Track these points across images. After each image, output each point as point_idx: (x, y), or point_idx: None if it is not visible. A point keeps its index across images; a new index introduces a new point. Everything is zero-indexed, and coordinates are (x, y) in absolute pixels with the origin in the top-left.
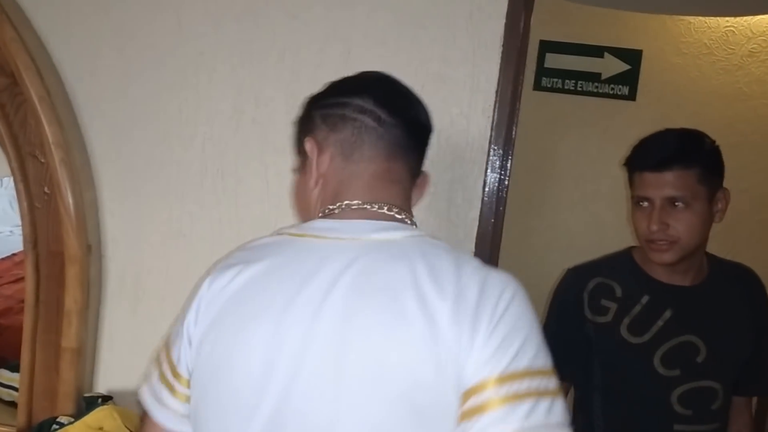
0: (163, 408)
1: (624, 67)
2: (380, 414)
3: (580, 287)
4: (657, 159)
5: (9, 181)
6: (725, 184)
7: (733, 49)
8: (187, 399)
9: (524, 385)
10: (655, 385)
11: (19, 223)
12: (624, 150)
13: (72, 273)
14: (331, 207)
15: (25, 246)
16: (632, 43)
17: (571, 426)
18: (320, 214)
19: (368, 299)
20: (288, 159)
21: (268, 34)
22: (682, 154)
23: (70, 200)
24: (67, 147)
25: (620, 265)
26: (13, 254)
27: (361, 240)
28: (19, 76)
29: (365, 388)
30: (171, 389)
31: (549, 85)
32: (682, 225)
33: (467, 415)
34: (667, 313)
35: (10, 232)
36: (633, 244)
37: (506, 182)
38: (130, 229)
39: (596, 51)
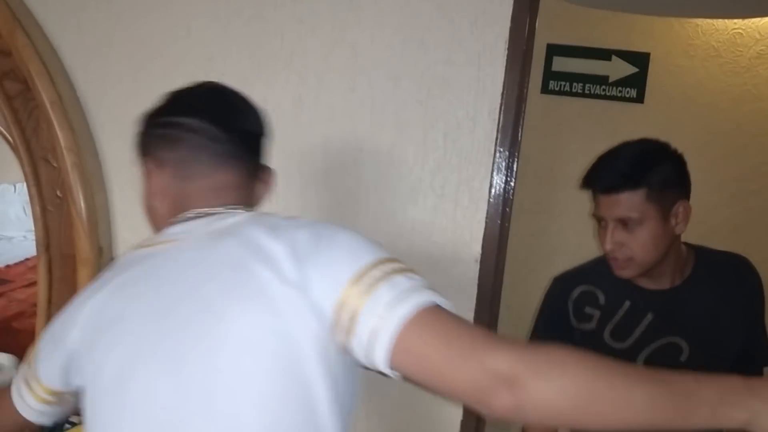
0: (23, 402)
1: (632, 69)
2: (265, 382)
3: (566, 296)
4: (604, 185)
5: (22, 187)
6: (731, 188)
7: (741, 51)
8: (43, 401)
9: (377, 272)
10: None
11: (33, 228)
12: None
13: (84, 275)
14: (173, 219)
15: (37, 249)
16: (640, 46)
17: None
18: (168, 225)
19: (215, 280)
20: (295, 161)
21: (276, 38)
22: (627, 179)
23: (82, 203)
24: (78, 151)
25: (604, 272)
26: (27, 259)
27: (199, 233)
28: (32, 81)
29: (239, 365)
30: (30, 390)
31: (556, 89)
32: (635, 243)
33: (349, 329)
34: (648, 318)
35: (24, 237)
36: None
37: (512, 184)
38: (141, 232)
39: (604, 54)
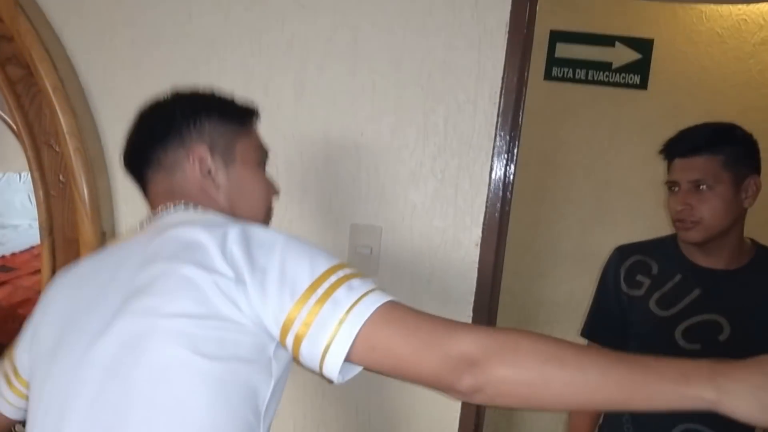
0: (2, 399)
1: (635, 56)
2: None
3: (620, 263)
4: (685, 147)
5: (27, 176)
6: None
7: (745, 37)
8: (22, 395)
9: (317, 295)
10: (676, 356)
11: (37, 215)
12: (635, 139)
13: None
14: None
15: (41, 233)
16: (643, 32)
17: None
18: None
19: (146, 271)
20: (296, 146)
21: (277, 23)
22: (708, 142)
23: (85, 188)
24: (81, 136)
25: (663, 247)
26: (32, 247)
27: (144, 231)
28: (34, 67)
29: (164, 353)
30: (9, 384)
31: (560, 75)
32: (705, 206)
33: (296, 346)
34: (696, 292)
35: (29, 225)
36: (650, 234)
37: (512, 168)
38: (143, 215)
39: (607, 40)
